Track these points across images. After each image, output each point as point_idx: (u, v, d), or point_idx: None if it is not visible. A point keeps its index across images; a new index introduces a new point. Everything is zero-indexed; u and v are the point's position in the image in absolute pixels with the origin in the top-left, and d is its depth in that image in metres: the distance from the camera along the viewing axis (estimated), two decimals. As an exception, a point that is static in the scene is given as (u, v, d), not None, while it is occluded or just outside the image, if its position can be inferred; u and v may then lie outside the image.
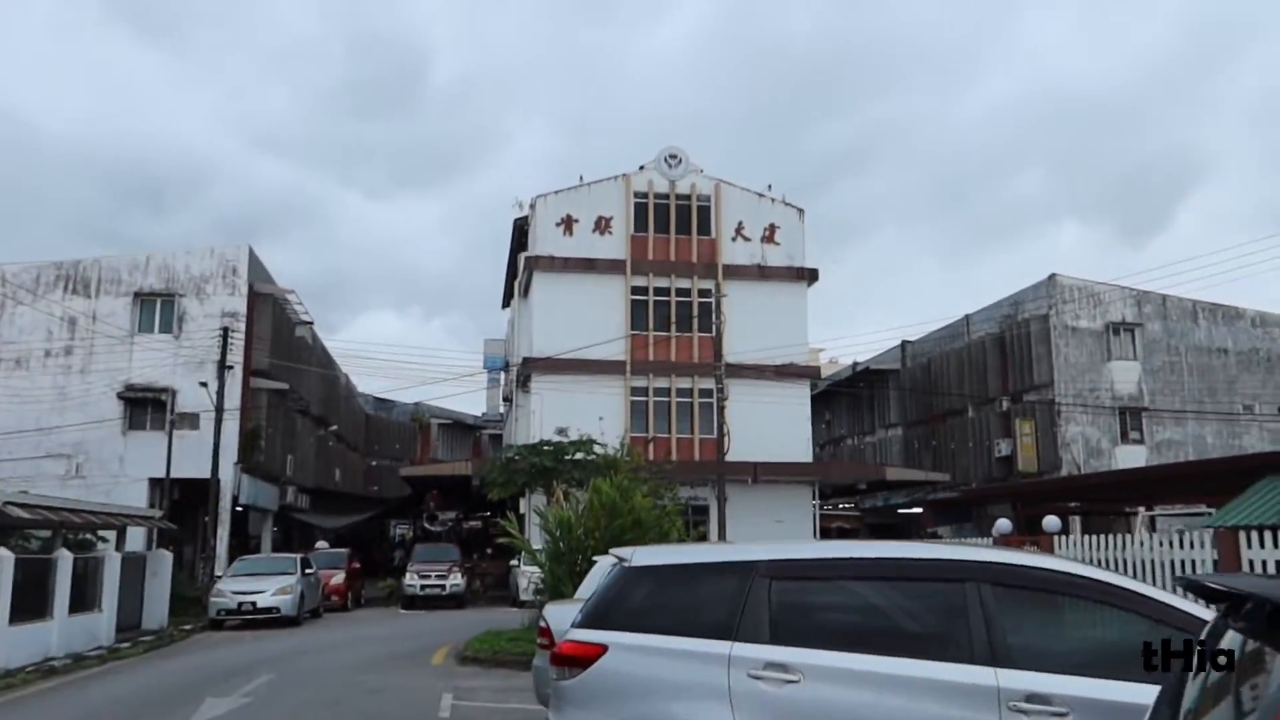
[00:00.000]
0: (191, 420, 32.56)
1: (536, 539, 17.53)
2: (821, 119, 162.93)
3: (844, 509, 49.43)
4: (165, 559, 24.84)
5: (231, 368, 31.24)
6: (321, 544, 37.70)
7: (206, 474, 30.12)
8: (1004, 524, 19.61)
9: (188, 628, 23.45)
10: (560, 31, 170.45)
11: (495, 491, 23.58)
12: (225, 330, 31.25)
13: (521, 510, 33.70)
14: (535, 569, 27.16)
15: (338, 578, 27.61)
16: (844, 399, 54.06)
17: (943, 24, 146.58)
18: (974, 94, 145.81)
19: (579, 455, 22.19)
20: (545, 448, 22.82)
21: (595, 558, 11.22)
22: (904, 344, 50.09)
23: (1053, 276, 38.57)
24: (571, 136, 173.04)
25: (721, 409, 27.53)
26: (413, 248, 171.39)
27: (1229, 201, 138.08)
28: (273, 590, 22.57)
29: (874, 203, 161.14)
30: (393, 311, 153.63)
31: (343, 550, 31.77)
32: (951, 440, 44.50)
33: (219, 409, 30.16)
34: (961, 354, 44.48)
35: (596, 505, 14.04)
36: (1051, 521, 19.04)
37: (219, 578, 25.35)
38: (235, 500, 32.93)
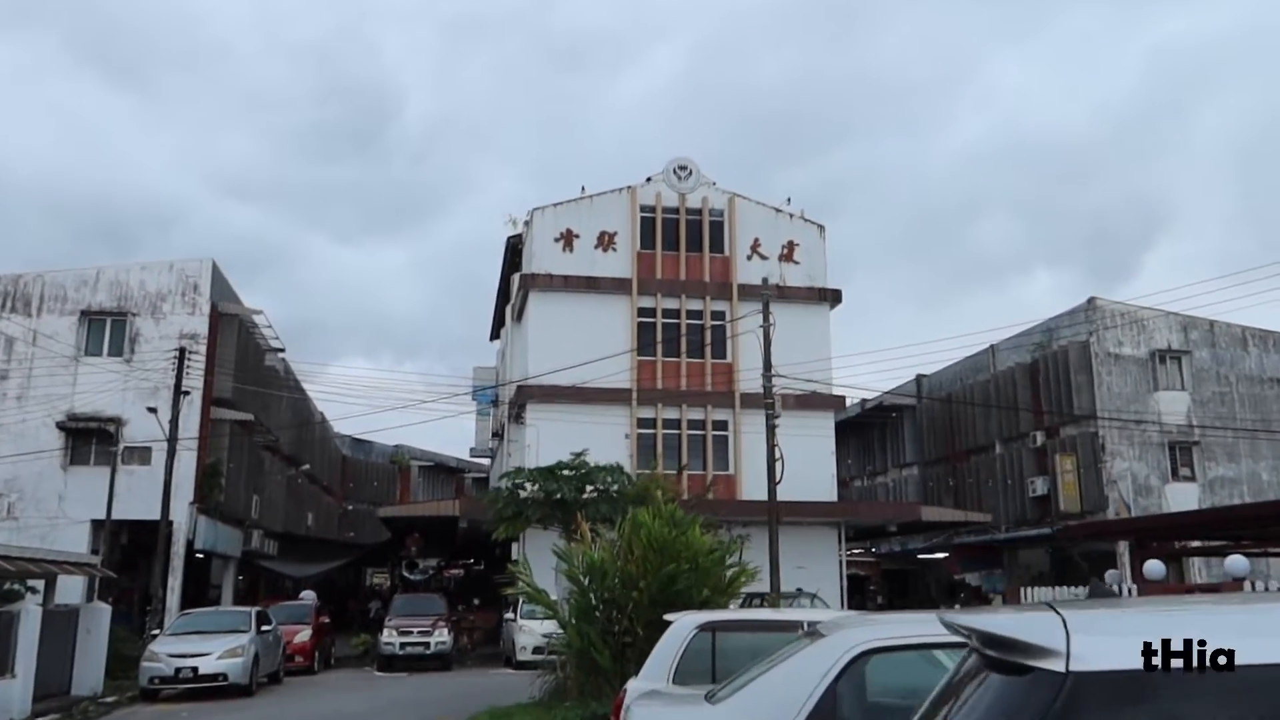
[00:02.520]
0: (142, 454, 28.84)
1: (549, 588, 13.93)
2: (791, 166, 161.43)
3: (855, 554, 45.99)
4: (102, 613, 21.08)
5: (188, 393, 27.57)
6: (306, 594, 33.86)
7: (158, 515, 26.37)
8: (1156, 566, 16.16)
9: (109, 700, 19.40)
10: (531, 77, 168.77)
11: (502, 529, 19.75)
12: (182, 350, 27.62)
13: (515, 555, 30.07)
14: (536, 624, 23.52)
15: (302, 635, 23.26)
16: (851, 438, 50.60)
17: (911, 72, 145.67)
18: (943, 141, 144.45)
19: (608, 484, 18.54)
20: (564, 472, 19.01)
21: (668, 617, 7.70)
22: (919, 377, 46.84)
23: (1092, 300, 35.47)
24: (542, 182, 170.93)
25: (773, 429, 23.81)
26: (384, 293, 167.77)
27: (1195, 251, 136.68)
28: (219, 652, 18.37)
29: (843, 250, 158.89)
30: (364, 358, 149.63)
31: (307, 603, 27.49)
32: (977, 479, 41.12)
33: (172, 439, 26.46)
34: (987, 386, 41.21)
35: (642, 544, 10.52)
36: (1238, 564, 15.80)
37: (155, 635, 21.22)
38: (191, 545, 29.09)
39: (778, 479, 23.12)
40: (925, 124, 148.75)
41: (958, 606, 38.43)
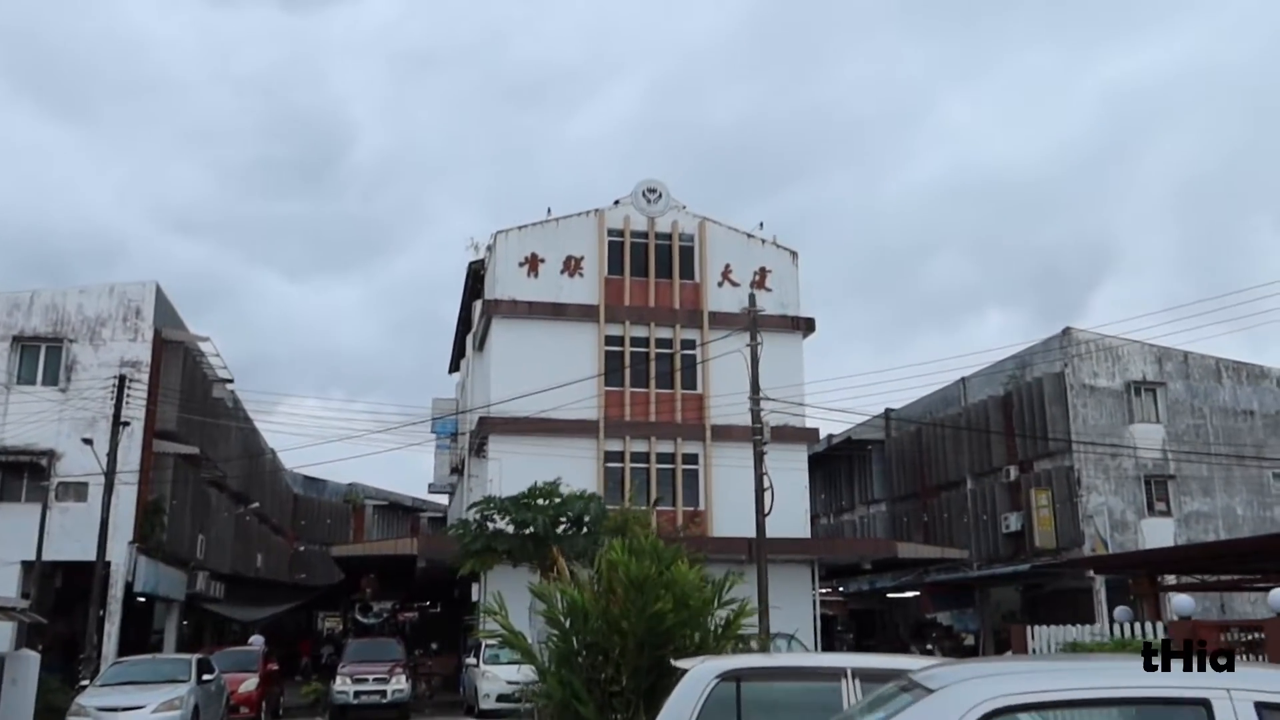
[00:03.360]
0: (78, 490, 27.09)
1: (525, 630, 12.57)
2: (746, 203, 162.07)
3: (823, 593, 44.81)
4: (29, 661, 19.30)
5: (128, 424, 25.92)
6: (255, 639, 32.01)
7: (95, 555, 24.65)
8: (1185, 601, 15.13)
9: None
10: (486, 112, 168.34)
11: (469, 565, 18.15)
12: (122, 378, 26.00)
13: (475, 596, 28.55)
14: (500, 669, 22.04)
15: (248, 684, 21.39)
16: (816, 473, 49.39)
17: (864, 111, 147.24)
18: (897, 179, 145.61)
19: (584, 516, 17.17)
20: (538, 502, 17.52)
21: (682, 664, 6.48)
22: (887, 411, 46.01)
23: (1067, 330, 34.84)
24: (498, 219, 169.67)
25: (760, 457, 22.47)
26: (335, 330, 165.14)
27: (1138, 292, 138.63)
28: (155, 705, 16.52)
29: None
30: (315, 397, 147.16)
31: (254, 649, 25.63)
32: (948, 515, 40.21)
33: (110, 474, 24.81)
34: (958, 419, 40.45)
35: (622, 581, 9.29)
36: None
37: (85, 686, 19.36)
38: (130, 588, 27.30)
39: (767, 510, 21.88)
40: (879, 162, 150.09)
41: (930, 647, 37.43)
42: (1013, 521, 35.49)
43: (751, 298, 23.67)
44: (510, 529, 17.41)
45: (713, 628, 9.58)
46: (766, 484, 21.53)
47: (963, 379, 40.64)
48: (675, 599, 9.09)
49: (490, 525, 17.75)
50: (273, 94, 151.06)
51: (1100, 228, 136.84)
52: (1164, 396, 34.91)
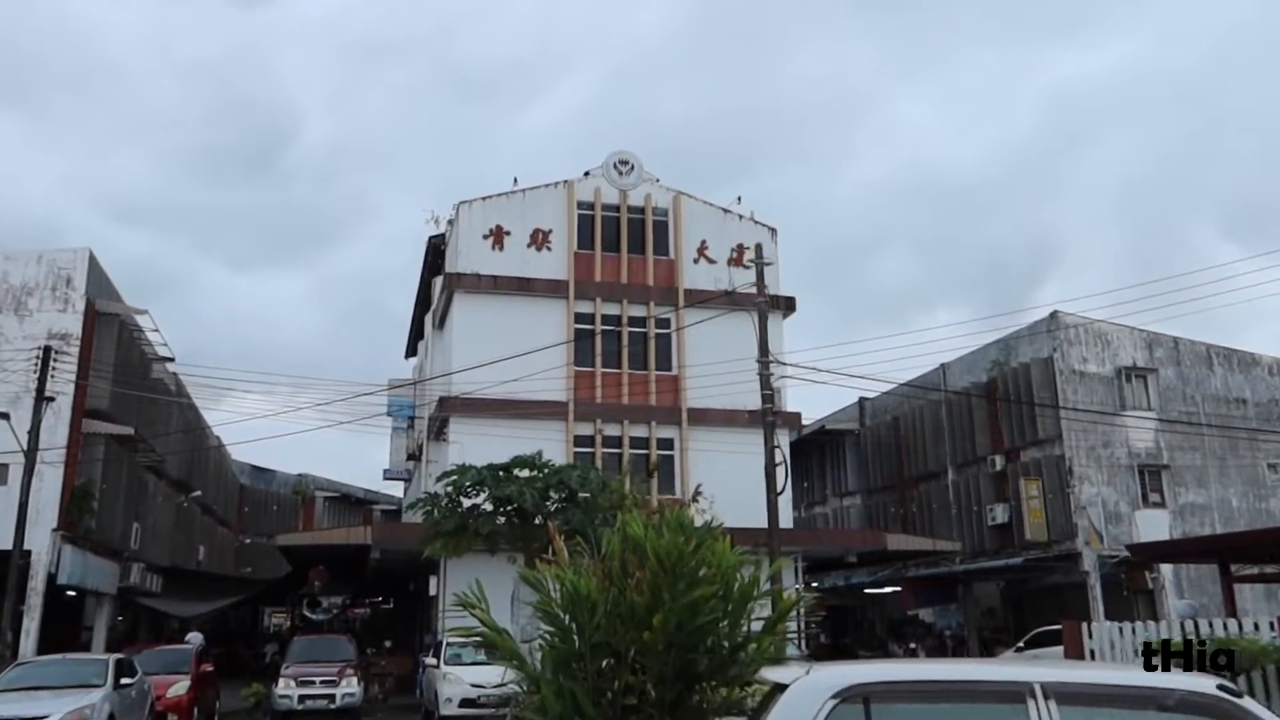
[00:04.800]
0: (-1, 473, 24.60)
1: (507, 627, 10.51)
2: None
3: (797, 588, 43.07)
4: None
5: (53, 399, 23.50)
6: (192, 636, 29.61)
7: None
8: (1184, 607, 13.33)
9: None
10: (435, 105, 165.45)
11: (438, 547, 15.79)
12: (47, 349, 23.58)
13: (433, 590, 26.44)
14: (464, 670, 19.95)
15: (178, 687, 18.55)
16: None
17: (812, 108, 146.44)
18: (844, 177, 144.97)
19: (578, 487, 14.92)
20: (528, 474, 15.14)
21: (773, 675, 4.54)
22: (862, 401, 44.42)
23: (1054, 314, 33.34)
24: (447, 211, 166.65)
25: (771, 427, 20.39)
26: (281, 322, 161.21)
27: (1081, 288, 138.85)
28: (60, 714, 14.05)
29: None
30: (262, 382, 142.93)
31: (186, 647, 23.02)
32: (927, 508, 38.66)
33: (31, 452, 22.40)
34: (937, 408, 38.91)
35: (651, 563, 7.36)
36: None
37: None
38: (52, 579, 24.84)
39: (779, 488, 19.91)
40: (826, 159, 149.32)
41: (913, 645, 35.82)
42: (999, 513, 33.96)
43: (758, 248, 21.19)
44: (489, 506, 15.02)
45: (746, 626, 7.63)
46: (779, 458, 19.49)
47: (943, 365, 39.07)
48: (717, 583, 7.15)
49: (464, 501, 15.33)
50: (218, 83, 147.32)
51: (1045, 226, 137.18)
52: (1155, 383, 33.56)
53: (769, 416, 19.59)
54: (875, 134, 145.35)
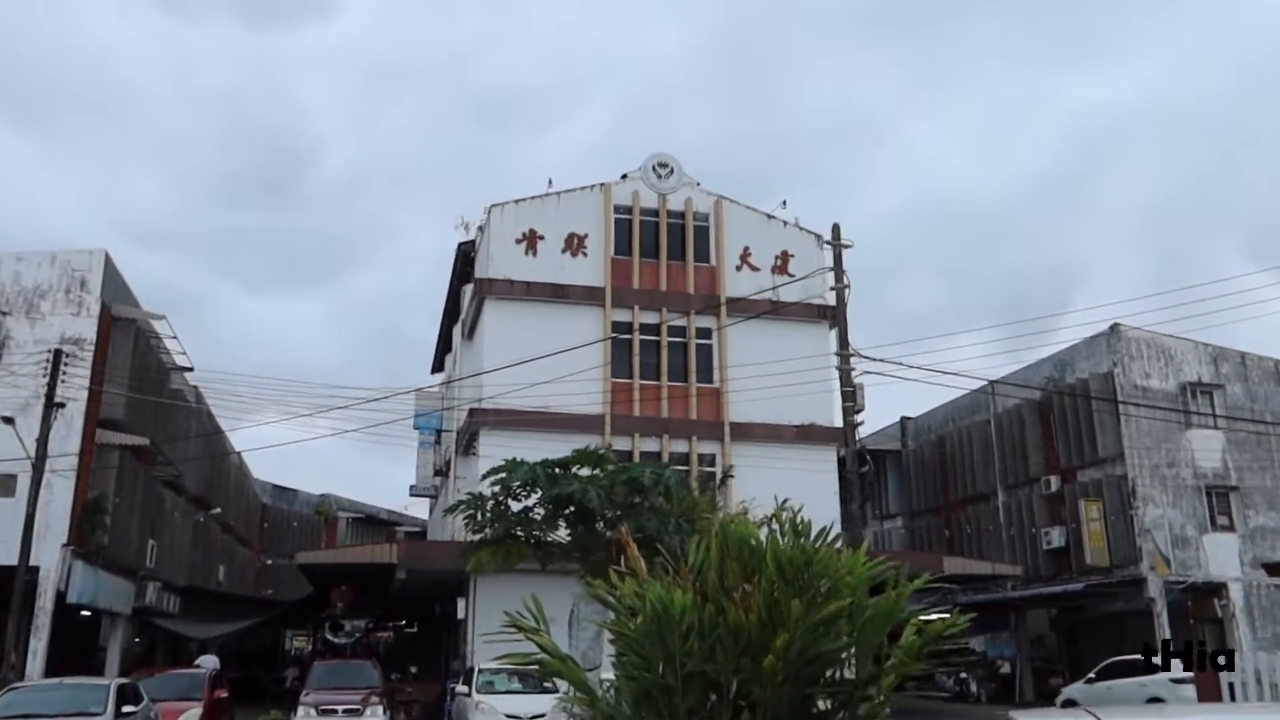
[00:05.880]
0: (6, 483, 23.36)
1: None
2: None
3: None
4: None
5: (63, 405, 22.27)
6: (205, 659, 28.30)
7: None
8: None
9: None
10: (455, 130, 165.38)
11: (482, 558, 13.82)
12: (58, 353, 22.38)
13: (460, 613, 24.97)
14: (499, 699, 18.39)
15: (189, 715, 17.22)
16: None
17: (828, 135, 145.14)
18: (858, 204, 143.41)
19: (649, 486, 13.00)
20: (588, 473, 13.02)
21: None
22: (904, 420, 42.79)
23: (1115, 326, 31.64)
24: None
25: (852, 429, 18.46)
26: (301, 346, 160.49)
27: (1108, 314, 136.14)
28: None
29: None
30: (283, 402, 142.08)
31: (200, 671, 21.48)
32: (976, 531, 36.89)
33: (39, 461, 21.14)
34: (984, 428, 37.24)
35: (769, 573, 5.92)
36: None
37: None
38: (62, 597, 23.52)
39: (856, 501, 18.27)
40: (844, 184, 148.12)
41: (964, 675, 33.94)
42: (1055, 537, 32.19)
43: (835, 228, 18.90)
44: (540, 512, 13.04)
45: (881, 654, 6.13)
46: (865, 464, 17.80)
47: (991, 383, 37.39)
48: (849, 596, 5.71)
49: (511, 503, 13.43)
50: (236, 107, 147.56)
51: (1066, 251, 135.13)
52: (1221, 400, 31.77)
53: (850, 417, 17.78)
54: (893, 160, 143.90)
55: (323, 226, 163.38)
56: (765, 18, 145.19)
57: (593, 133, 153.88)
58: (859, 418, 17.39)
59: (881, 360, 16.76)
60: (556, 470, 12.85)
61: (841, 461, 40.12)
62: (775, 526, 6.53)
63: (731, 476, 17.21)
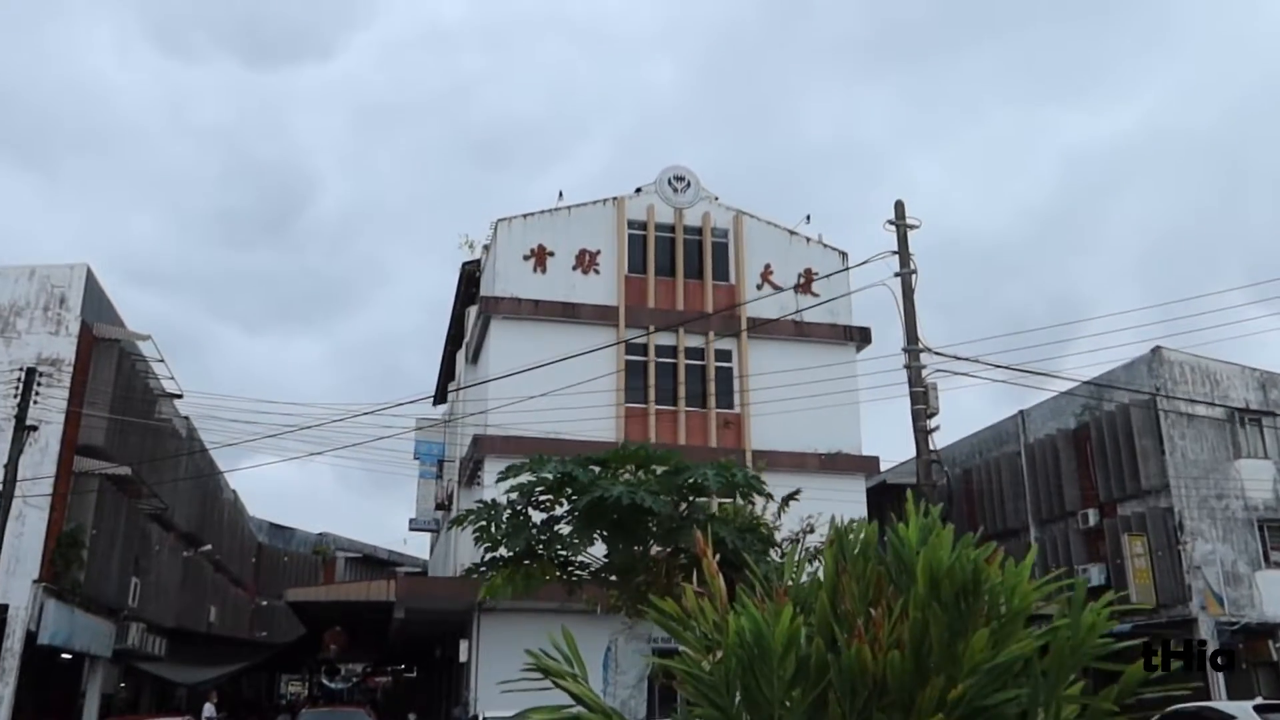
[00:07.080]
0: (-26, 514, 21.57)
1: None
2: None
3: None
4: None
5: (35, 428, 20.57)
6: (209, 708, 26.58)
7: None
8: None
9: None
10: (452, 169, 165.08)
11: (497, 583, 10.86)
12: (30, 371, 20.72)
13: (463, 656, 23.12)
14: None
15: None
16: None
17: (827, 171, 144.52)
18: (859, 239, 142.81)
19: (722, 494, 10.96)
20: (641, 479, 10.40)
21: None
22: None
23: (1157, 350, 29.93)
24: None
25: (924, 411, 16.36)
26: (297, 385, 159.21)
27: (1107, 350, 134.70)
28: None
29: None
30: (272, 453, 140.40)
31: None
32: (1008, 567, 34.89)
33: (8, 486, 19.41)
34: (1014, 459, 35.40)
35: (922, 588, 4.16)
36: None
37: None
38: (33, 637, 21.69)
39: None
40: (842, 220, 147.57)
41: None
42: (1094, 574, 30.17)
43: (898, 206, 16.67)
44: (568, 524, 10.51)
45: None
46: (942, 477, 15.97)
47: (1021, 412, 35.68)
48: (1019, 622, 4.00)
49: (531, 515, 10.89)
50: (233, 146, 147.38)
51: (1068, 287, 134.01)
52: (1273, 426, 29.98)
53: (922, 421, 15.76)
54: (890, 196, 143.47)
55: (319, 266, 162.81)
56: (760, 52, 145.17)
57: (592, 168, 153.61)
58: (933, 422, 15.47)
59: (957, 359, 14.93)
60: (600, 467, 10.50)
61: (874, 490, 38.46)
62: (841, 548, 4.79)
63: (796, 499, 15.29)
